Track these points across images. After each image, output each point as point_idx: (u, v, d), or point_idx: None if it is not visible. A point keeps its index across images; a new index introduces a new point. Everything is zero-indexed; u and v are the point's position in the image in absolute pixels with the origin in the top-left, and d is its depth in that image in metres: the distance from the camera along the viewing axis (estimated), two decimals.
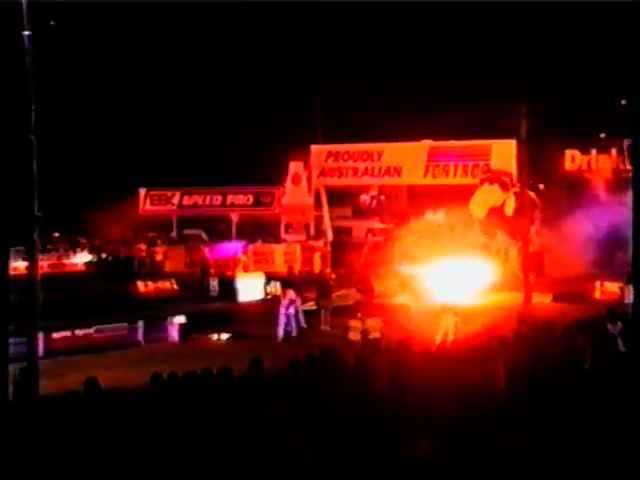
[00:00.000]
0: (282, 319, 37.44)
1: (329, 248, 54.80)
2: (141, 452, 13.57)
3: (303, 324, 39.11)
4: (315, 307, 40.21)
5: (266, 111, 62.70)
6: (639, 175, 15.76)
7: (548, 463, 12.89)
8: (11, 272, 54.09)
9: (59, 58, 26.81)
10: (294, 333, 37.25)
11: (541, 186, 52.50)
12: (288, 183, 60.27)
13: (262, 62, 64.45)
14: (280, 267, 52.05)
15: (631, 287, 38.98)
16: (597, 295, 43.64)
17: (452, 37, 60.48)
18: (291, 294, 38.33)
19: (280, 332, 36.96)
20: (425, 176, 57.45)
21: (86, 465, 13.09)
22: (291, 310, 37.71)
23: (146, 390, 18.09)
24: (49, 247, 53.39)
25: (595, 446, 13.74)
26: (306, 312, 39.78)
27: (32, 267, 27.09)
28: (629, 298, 38.69)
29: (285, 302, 37.89)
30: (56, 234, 62.73)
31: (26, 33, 25.66)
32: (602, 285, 44.90)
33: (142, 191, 64.26)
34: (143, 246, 60.33)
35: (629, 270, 45.30)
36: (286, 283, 40.16)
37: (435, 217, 54.54)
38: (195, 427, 14.68)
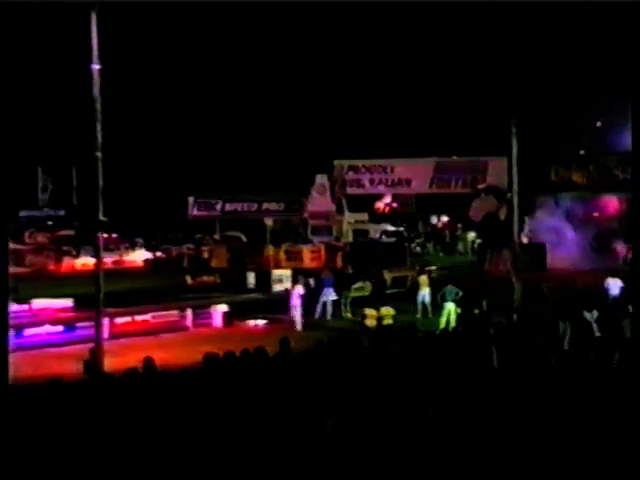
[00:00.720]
0: (294, 309, 37.93)
1: (348, 248, 54.85)
2: (195, 422, 13.75)
3: (329, 314, 39.51)
4: (337, 297, 40.47)
5: (296, 130, 62.66)
6: (639, 177, 15.47)
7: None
8: (80, 268, 54.60)
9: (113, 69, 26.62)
10: (299, 327, 37.49)
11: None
12: (314, 192, 60.25)
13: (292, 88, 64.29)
14: (307, 264, 52.12)
15: (616, 279, 39.53)
16: (579, 286, 43.67)
17: (451, 65, 60.24)
18: (299, 289, 38.58)
19: (298, 325, 37.55)
20: (430, 187, 57.42)
21: (146, 434, 13.27)
22: (298, 302, 38.10)
23: (195, 368, 18.29)
24: (111, 247, 53.45)
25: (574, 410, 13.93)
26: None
27: (97, 264, 27.47)
28: (614, 289, 39.04)
29: (295, 293, 38.31)
30: (114, 235, 62.88)
31: (95, 67, 25.98)
32: (582, 277, 44.96)
33: (191, 199, 64.31)
34: (191, 245, 60.55)
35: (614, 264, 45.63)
36: (297, 280, 40.46)
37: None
38: (239, 399, 14.87)
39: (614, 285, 39.96)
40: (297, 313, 38.09)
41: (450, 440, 12.56)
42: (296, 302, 38.25)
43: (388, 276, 45.32)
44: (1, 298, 8.77)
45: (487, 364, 18.22)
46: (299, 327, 37.40)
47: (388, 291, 43.16)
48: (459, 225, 61.20)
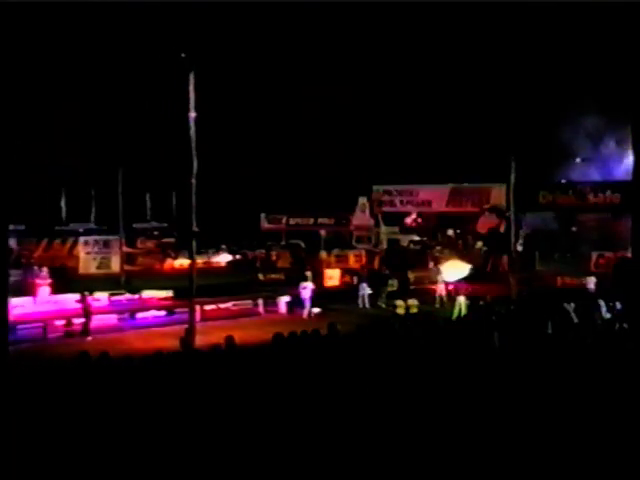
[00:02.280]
0: (305, 302, 37.38)
1: (384, 253, 54.80)
2: (264, 384, 13.74)
3: (367, 304, 39.36)
4: (371, 292, 40.38)
5: (344, 162, 62.65)
6: (639, 180, 14.87)
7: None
8: (178, 267, 54.20)
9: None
10: (305, 315, 36.88)
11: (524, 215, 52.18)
12: (357, 210, 60.36)
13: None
14: (352, 265, 52.12)
15: (592, 277, 39.28)
16: (559, 285, 43.41)
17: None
18: (309, 284, 38.32)
19: (304, 312, 36.96)
20: (447, 206, 57.31)
21: (227, 397, 13.18)
22: (305, 294, 37.61)
23: (265, 344, 18.28)
24: (202, 250, 53.62)
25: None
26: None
27: (191, 264, 27.57)
28: (590, 285, 38.86)
29: (306, 288, 37.93)
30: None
31: (192, 115, 26.10)
32: (562, 278, 44.69)
33: (263, 215, 64.80)
34: (263, 250, 60.65)
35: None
36: (305, 278, 40.02)
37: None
38: (299, 369, 14.85)
39: (590, 282, 39.78)
40: (306, 305, 37.38)
41: (462, 407, 12.47)
42: (306, 295, 37.60)
43: (411, 275, 45.14)
44: (1, 298, 8.28)
45: (489, 344, 18.09)
46: (305, 315, 36.76)
47: (411, 287, 42.95)
48: (469, 237, 60.97)
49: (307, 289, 37.86)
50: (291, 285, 40.38)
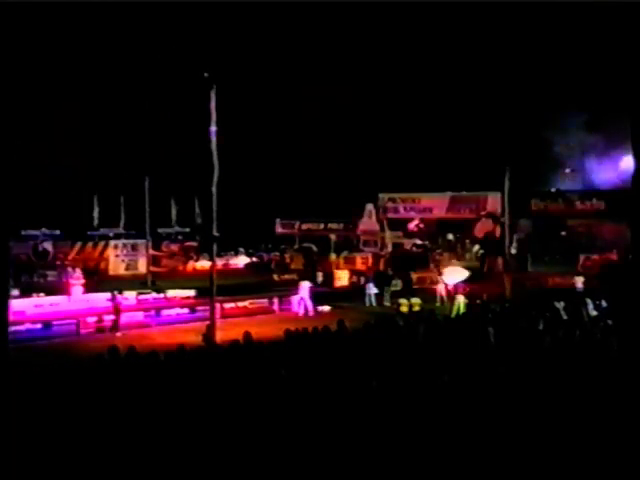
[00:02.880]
0: (296, 301, 37.09)
1: (389, 256, 54.72)
2: (277, 375, 13.75)
3: (374, 303, 39.22)
4: (377, 291, 40.32)
5: (352, 172, 62.70)
6: (639, 183, 14.68)
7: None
8: (200, 269, 54.00)
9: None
10: (301, 313, 36.45)
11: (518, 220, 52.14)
12: (364, 216, 60.35)
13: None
14: (359, 267, 52.03)
15: (580, 277, 39.21)
16: (549, 285, 43.22)
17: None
18: (307, 284, 38.07)
19: (300, 310, 36.61)
20: (447, 213, 57.29)
21: (244, 387, 13.20)
22: (299, 296, 37.25)
23: (281, 339, 18.31)
24: (222, 253, 53.64)
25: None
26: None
27: (211, 266, 27.58)
28: (579, 284, 38.79)
29: (304, 287, 37.59)
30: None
31: (213, 129, 26.15)
32: (553, 278, 44.57)
33: (277, 220, 64.83)
34: (277, 253, 60.67)
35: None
36: (303, 278, 39.90)
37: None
38: (310, 362, 14.86)
39: (579, 281, 39.72)
40: (302, 303, 36.90)
41: (460, 397, 12.44)
42: (304, 294, 37.22)
43: (414, 276, 45.00)
44: (1, 299, 8.15)
45: (485, 340, 18.05)
46: (301, 313, 36.38)
47: (414, 287, 42.81)
48: (467, 240, 60.98)
49: (305, 288, 37.50)
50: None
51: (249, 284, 43.39)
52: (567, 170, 54.98)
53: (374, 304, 39.22)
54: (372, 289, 40.00)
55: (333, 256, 55.89)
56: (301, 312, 36.55)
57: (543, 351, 16.23)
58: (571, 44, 51.58)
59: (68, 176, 59.69)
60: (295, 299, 37.77)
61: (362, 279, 44.15)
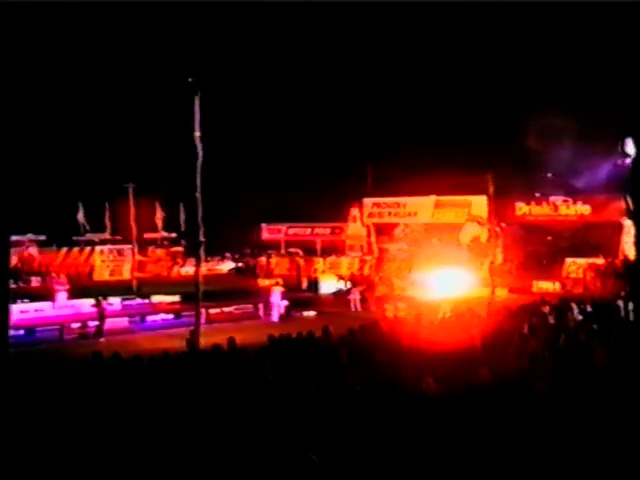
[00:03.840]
0: (275, 306, 36.87)
1: (374, 261, 54.76)
2: (261, 379, 13.72)
3: (359, 308, 39.14)
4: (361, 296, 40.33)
5: (336, 177, 62.60)
6: (638, 186, 14.45)
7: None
8: (185, 274, 53.89)
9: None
10: (275, 318, 36.35)
11: (502, 224, 52.20)
12: (350, 221, 60.39)
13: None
14: (345, 272, 52.04)
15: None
16: (534, 290, 43.30)
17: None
18: (279, 289, 37.87)
19: (274, 316, 36.53)
20: (432, 217, 57.37)
21: (228, 390, 13.18)
22: (275, 299, 37.13)
23: (264, 344, 18.27)
24: (207, 258, 53.48)
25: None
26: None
27: (196, 271, 27.48)
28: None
29: (275, 293, 37.50)
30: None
31: (197, 134, 26.08)
32: (537, 283, 44.74)
33: (263, 225, 64.79)
34: (263, 258, 60.63)
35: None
36: (277, 283, 39.58)
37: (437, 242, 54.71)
38: (292, 366, 14.83)
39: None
40: (276, 309, 36.81)
41: (446, 397, 12.44)
42: (276, 299, 37.07)
43: (396, 282, 44.95)
44: (1, 300, 8.07)
45: (471, 344, 18.05)
46: (275, 319, 36.26)
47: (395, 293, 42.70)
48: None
49: (276, 294, 37.33)
50: (288, 290, 40.19)
51: (234, 289, 43.30)
52: (549, 174, 55.04)
53: (359, 309, 39.17)
54: (357, 294, 39.98)
55: (319, 260, 55.92)
56: (275, 318, 36.42)
57: (530, 354, 16.25)
58: (553, 48, 51.77)
59: (53, 182, 59.45)
60: (282, 305, 37.65)
61: (348, 284, 44.18)
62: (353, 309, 39.15)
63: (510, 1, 45.99)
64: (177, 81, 27.31)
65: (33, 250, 57.88)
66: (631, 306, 22.65)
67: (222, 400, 12.60)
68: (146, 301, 38.25)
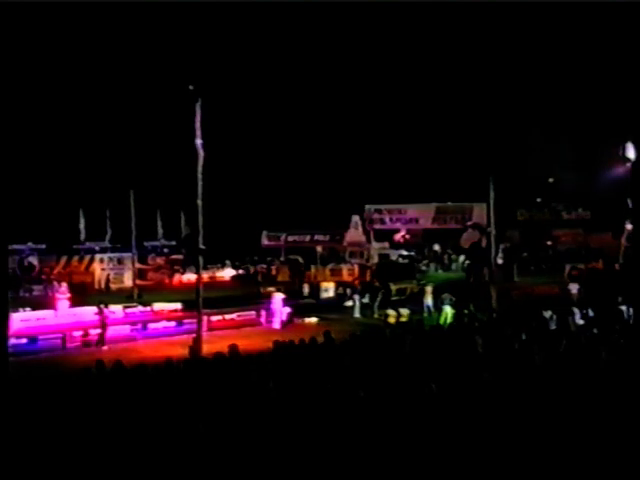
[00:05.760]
0: (276, 313, 36.66)
1: (375, 267, 54.69)
2: (264, 387, 13.71)
3: (359, 314, 39.05)
4: (364, 302, 40.27)
5: (338, 183, 62.74)
6: (638, 188, 14.42)
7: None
8: (186, 281, 53.86)
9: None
10: (277, 325, 36.11)
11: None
12: (350, 228, 60.34)
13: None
14: (345, 278, 51.96)
15: (575, 284, 39.43)
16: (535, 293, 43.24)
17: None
18: (280, 295, 37.78)
19: (275, 323, 36.34)
20: (433, 223, 57.37)
21: (232, 398, 13.16)
22: (276, 306, 36.91)
23: (269, 351, 18.26)
24: (208, 266, 53.47)
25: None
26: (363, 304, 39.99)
27: (197, 278, 27.52)
28: (573, 289, 39.03)
29: (277, 299, 37.34)
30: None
31: (199, 141, 26.17)
32: (538, 288, 44.73)
33: (264, 232, 64.69)
34: (264, 265, 60.63)
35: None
36: (279, 290, 39.54)
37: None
38: (297, 373, 14.82)
39: (574, 288, 39.83)
40: (277, 315, 36.64)
41: (448, 407, 12.42)
42: (278, 306, 36.94)
43: (393, 287, 44.81)
44: (1, 302, 7.98)
45: (473, 349, 18.07)
46: (277, 326, 36.12)
47: (392, 298, 42.55)
48: (448, 250, 61.35)
49: (278, 300, 37.28)
50: (290, 297, 40.16)
51: (236, 297, 43.28)
52: (550, 180, 55.18)
53: (359, 315, 39.10)
54: (357, 301, 39.91)
55: (320, 267, 55.87)
56: (276, 325, 36.35)
57: (530, 361, 16.25)
58: (553, 52, 51.84)
59: (56, 190, 59.53)
60: (285, 311, 37.55)
61: (348, 290, 44.15)
62: (356, 315, 39.10)
63: (510, 1, 46.29)
64: (178, 88, 27.41)
65: (33, 259, 57.83)
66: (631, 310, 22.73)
67: (225, 408, 12.59)
68: (148, 309, 38.21)
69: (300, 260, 59.68)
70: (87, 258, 59.27)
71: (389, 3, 52.76)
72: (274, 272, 58.48)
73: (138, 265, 54.60)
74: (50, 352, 30.14)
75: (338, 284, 48.27)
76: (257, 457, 10.99)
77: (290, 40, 57.56)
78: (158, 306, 38.54)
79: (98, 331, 31.99)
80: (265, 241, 65.43)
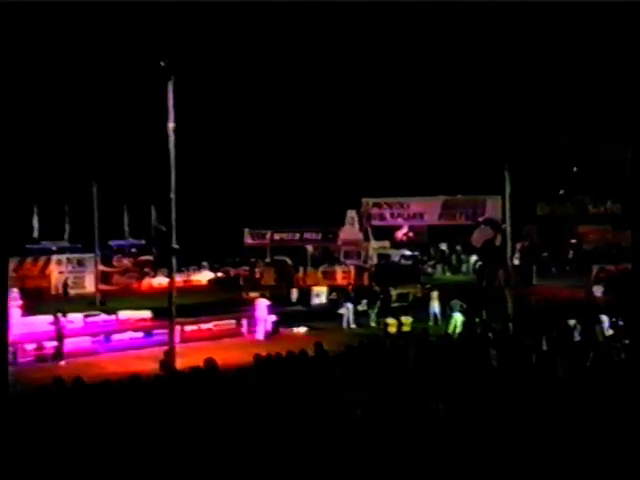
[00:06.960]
0: (260, 321, 36.88)
1: (374, 269, 54.76)
2: (245, 408, 13.71)
3: (352, 324, 39.06)
4: (359, 310, 40.32)
5: (331, 172, 62.83)
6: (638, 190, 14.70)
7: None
8: (157, 286, 54.13)
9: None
10: (261, 336, 36.31)
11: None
12: (346, 224, 60.36)
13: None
14: (340, 282, 52.03)
15: (600, 286, 39.69)
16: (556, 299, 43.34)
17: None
18: (264, 301, 37.89)
19: (259, 333, 36.54)
20: (439, 219, 57.46)
21: (208, 419, 13.15)
22: (260, 313, 37.11)
23: (249, 366, 18.24)
24: (183, 268, 53.48)
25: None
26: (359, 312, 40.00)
27: (170, 282, 27.53)
28: (597, 292, 39.28)
29: (261, 305, 37.46)
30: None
31: (171, 125, 26.12)
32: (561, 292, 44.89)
33: (246, 230, 64.63)
34: (246, 267, 60.69)
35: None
36: (263, 295, 39.62)
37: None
38: (283, 392, 14.82)
39: (598, 290, 40.02)
40: (261, 324, 36.81)
41: (457, 428, 12.45)
42: (262, 313, 37.10)
43: (394, 293, 44.92)
44: (1, 305, 8.05)
45: (486, 363, 18.08)
46: (261, 336, 36.32)
47: (393, 305, 42.57)
48: (457, 250, 61.53)
49: (262, 307, 37.40)
50: (276, 303, 40.18)
51: (214, 303, 43.35)
52: (575, 169, 55.30)
53: (353, 326, 39.03)
54: (350, 309, 39.61)
55: (310, 270, 55.95)
56: (260, 336, 36.41)
57: (552, 376, 16.29)
58: (571, 42, 52.17)
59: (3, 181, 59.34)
60: (269, 320, 37.54)
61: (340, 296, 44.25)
62: (345, 325, 38.98)
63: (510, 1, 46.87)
64: (148, 64, 27.36)
65: None
66: None
67: (201, 431, 12.60)
68: (112, 317, 38.20)
69: (288, 261, 59.75)
70: (42, 259, 59.22)
71: None
72: (258, 275, 58.54)
73: (101, 267, 54.59)
74: None
75: (331, 289, 48.28)
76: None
77: (281, 16, 57.65)
78: (124, 314, 38.54)
79: (54, 344, 31.98)
80: (248, 240, 65.45)
